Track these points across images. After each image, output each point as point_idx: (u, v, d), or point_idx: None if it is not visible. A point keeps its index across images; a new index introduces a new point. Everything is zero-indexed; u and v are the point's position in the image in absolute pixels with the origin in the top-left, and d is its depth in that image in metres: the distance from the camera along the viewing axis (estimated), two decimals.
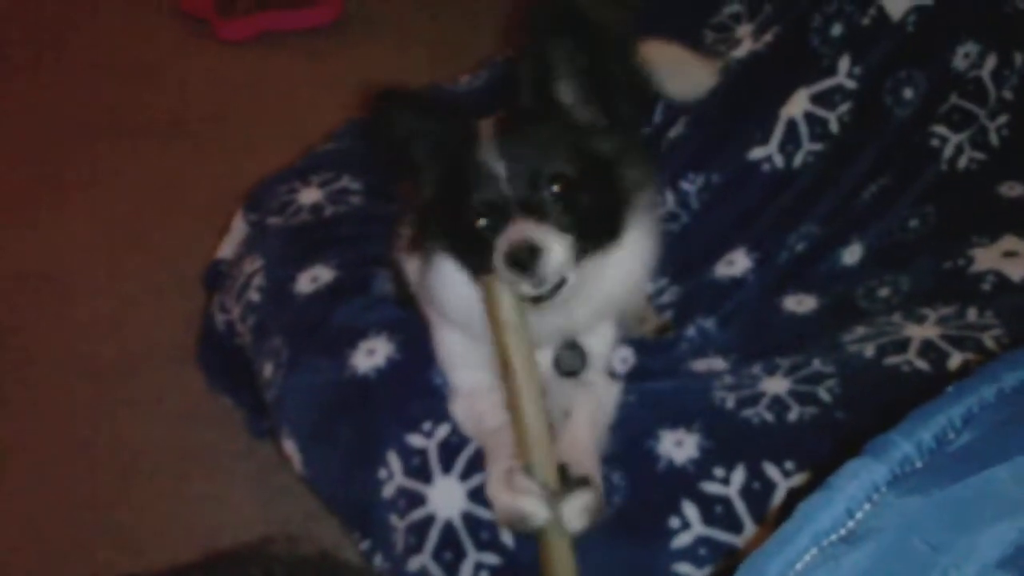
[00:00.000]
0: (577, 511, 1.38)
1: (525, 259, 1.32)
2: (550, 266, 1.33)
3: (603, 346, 1.60)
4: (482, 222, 1.39)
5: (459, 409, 1.59)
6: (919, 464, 0.84)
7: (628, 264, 1.48)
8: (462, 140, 1.42)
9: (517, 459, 1.41)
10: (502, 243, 1.34)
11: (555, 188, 1.37)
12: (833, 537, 0.83)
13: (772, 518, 1.44)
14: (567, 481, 1.39)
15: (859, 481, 0.83)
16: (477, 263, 1.42)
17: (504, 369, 1.43)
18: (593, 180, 1.40)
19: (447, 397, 1.62)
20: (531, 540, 1.44)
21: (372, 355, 1.69)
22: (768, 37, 2.09)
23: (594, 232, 1.41)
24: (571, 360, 1.57)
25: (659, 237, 1.52)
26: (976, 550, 0.80)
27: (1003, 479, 0.81)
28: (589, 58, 1.41)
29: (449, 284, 1.49)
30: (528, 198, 1.37)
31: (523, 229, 1.34)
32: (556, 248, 1.34)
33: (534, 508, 1.36)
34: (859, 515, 0.83)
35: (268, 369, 1.81)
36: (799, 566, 0.82)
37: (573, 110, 1.44)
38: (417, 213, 1.55)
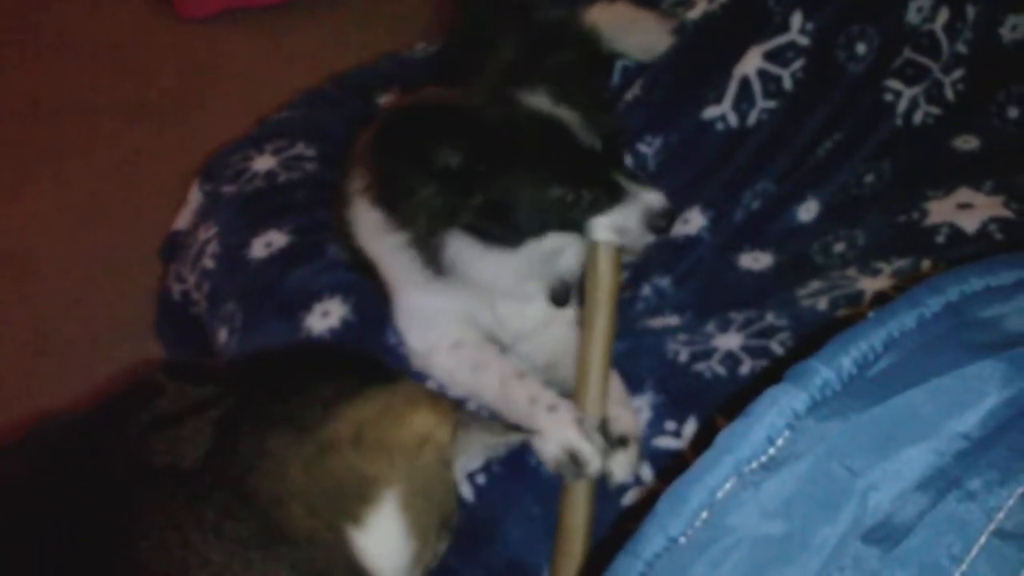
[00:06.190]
0: (623, 465, 1.45)
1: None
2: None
3: None
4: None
5: (445, 362, 1.56)
6: (839, 390, 0.84)
7: None
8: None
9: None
10: (652, 199, 1.44)
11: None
12: (754, 464, 0.83)
13: None
14: (608, 436, 1.45)
15: (779, 408, 0.84)
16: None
17: (587, 330, 1.49)
18: None
19: (403, 357, 1.61)
20: (492, 491, 1.49)
21: (327, 316, 1.69)
22: None
23: None
24: (563, 291, 1.62)
25: None
26: (894, 473, 0.80)
27: (920, 402, 0.81)
28: None
29: (476, 257, 1.48)
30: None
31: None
32: None
33: (593, 455, 1.41)
34: (780, 442, 0.83)
35: (223, 335, 1.79)
36: (720, 494, 0.82)
37: None
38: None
